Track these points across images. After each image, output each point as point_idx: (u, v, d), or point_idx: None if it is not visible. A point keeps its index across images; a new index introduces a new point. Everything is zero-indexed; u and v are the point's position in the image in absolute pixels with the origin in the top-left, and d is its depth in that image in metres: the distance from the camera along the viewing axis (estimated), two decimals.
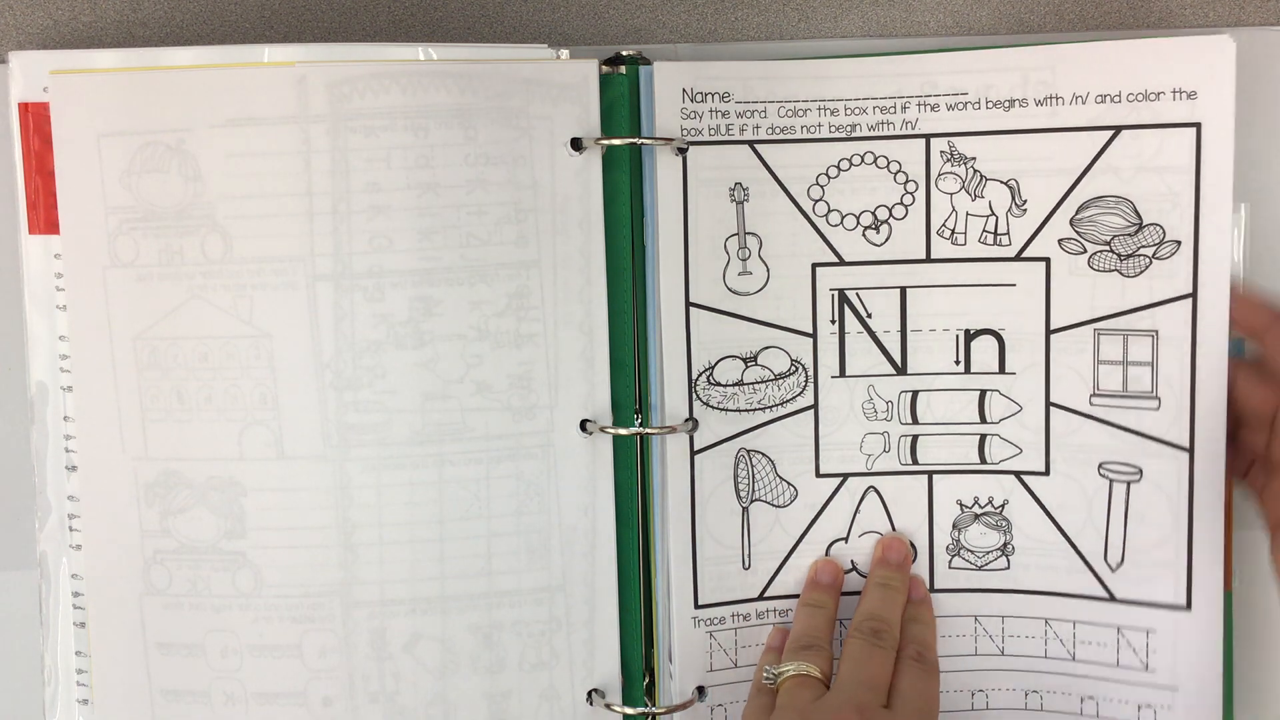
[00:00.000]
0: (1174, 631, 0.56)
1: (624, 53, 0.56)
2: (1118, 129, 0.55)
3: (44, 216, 0.56)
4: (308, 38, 0.60)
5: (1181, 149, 0.54)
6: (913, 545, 0.58)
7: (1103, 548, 0.57)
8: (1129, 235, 0.55)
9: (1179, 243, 0.54)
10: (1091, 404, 0.56)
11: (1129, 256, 0.55)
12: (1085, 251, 0.56)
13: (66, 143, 0.55)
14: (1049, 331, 0.56)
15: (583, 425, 0.56)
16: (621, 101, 0.55)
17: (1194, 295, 0.54)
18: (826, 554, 0.58)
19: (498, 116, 0.54)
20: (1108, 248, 0.55)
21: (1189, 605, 0.56)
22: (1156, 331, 0.55)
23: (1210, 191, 0.54)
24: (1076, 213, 0.55)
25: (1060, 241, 0.56)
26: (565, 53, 0.55)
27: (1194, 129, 0.54)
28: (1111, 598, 0.57)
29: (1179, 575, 0.56)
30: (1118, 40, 0.55)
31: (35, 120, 0.55)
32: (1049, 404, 0.57)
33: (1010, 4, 0.60)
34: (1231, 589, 0.58)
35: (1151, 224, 0.55)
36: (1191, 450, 0.55)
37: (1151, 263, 0.55)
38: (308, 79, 0.54)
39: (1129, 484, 0.56)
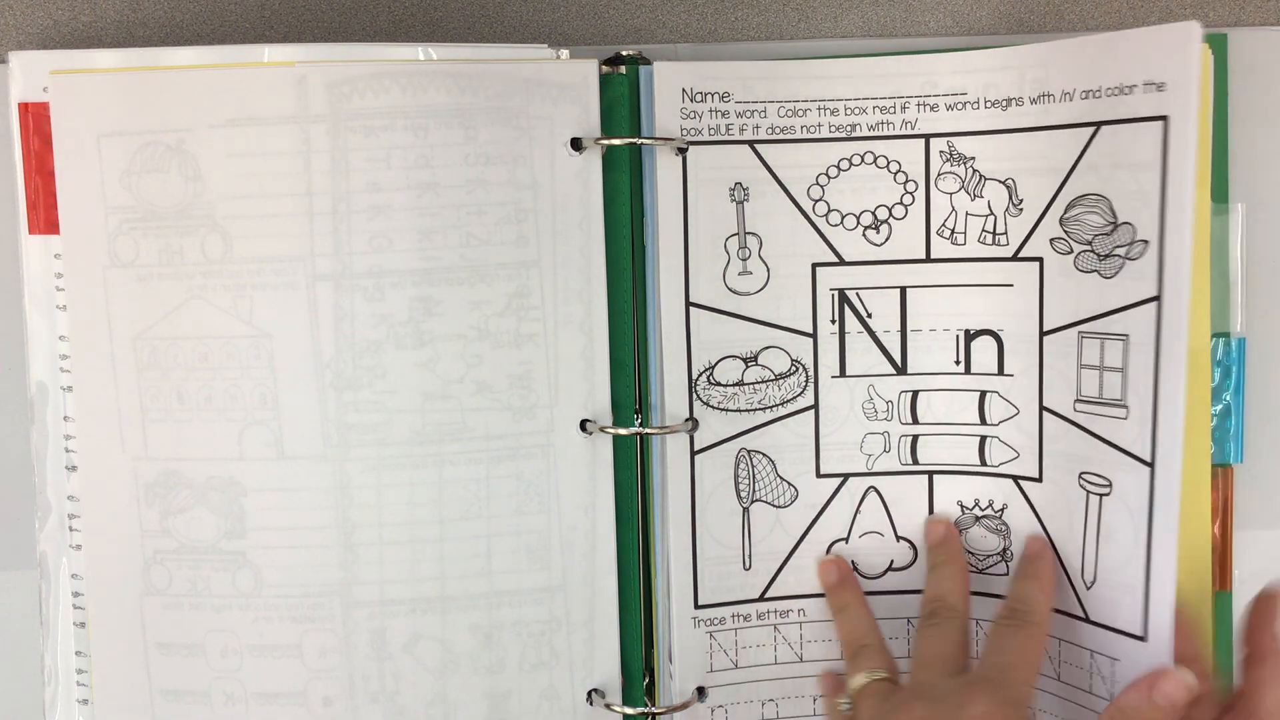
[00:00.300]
0: (1133, 662, 0.52)
1: (624, 53, 0.56)
2: (1098, 125, 0.52)
3: (44, 216, 0.56)
4: (308, 38, 0.60)
5: (1150, 144, 0.51)
6: (912, 546, 0.58)
7: (1080, 563, 0.54)
8: (1106, 235, 0.52)
9: (1147, 242, 0.51)
10: (1075, 410, 0.54)
11: (1107, 257, 0.52)
12: (1072, 251, 0.54)
13: (66, 143, 0.55)
14: (1042, 333, 0.55)
15: (583, 425, 0.56)
16: (621, 101, 0.55)
17: (1159, 298, 0.51)
18: (827, 554, 0.58)
19: (498, 116, 0.54)
20: (1089, 248, 0.53)
21: (1145, 635, 0.52)
22: (1127, 335, 0.52)
23: (1175, 187, 0.50)
24: (1065, 211, 0.54)
25: (1051, 241, 0.54)
26: (565, 53, 0.55)
27: (1161, 123, 0.50)
28: (1086, 618, 0.54)
29: (1137, 601, 0.52)
30: (1099, 34, 0.53)
31: (35, 120, 0.55)
32: (1041, 408, 0.56)
33: (1010, 4, 0.60)
34: (1231, 587, 0.57)
35: (1124, 223, 0.52)
36: (1152, 465, 0.52)
37: (1124, 264, 0.52)
38: (308, 79, 0.54)
39: (1102, 497, 0.53)
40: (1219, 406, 0.58)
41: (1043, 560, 0.55)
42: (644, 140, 0.55)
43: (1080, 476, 0.54)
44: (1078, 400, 0.54)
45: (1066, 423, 0.55)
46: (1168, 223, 0.50)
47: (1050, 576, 0.54)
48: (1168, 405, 0.51)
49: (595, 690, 0.57)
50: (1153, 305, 0.51)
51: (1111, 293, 0.52)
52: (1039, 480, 0.56)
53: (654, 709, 0.57)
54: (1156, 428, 0.51)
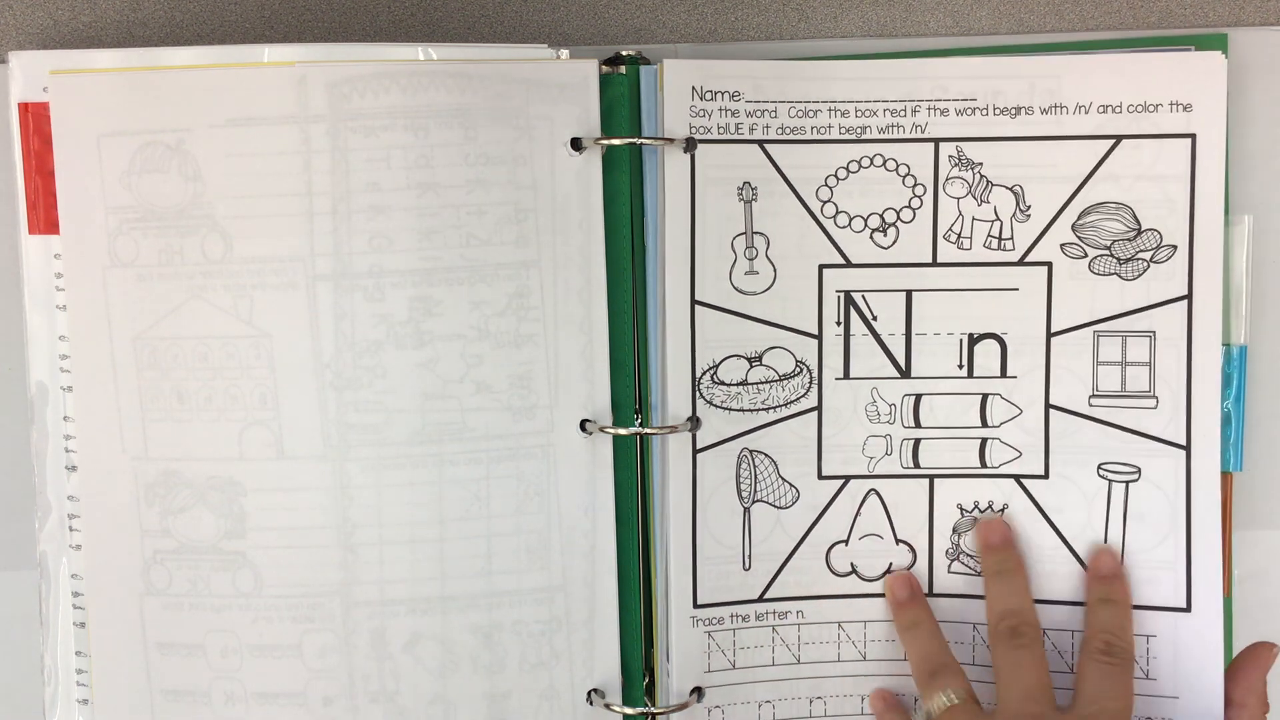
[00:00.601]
0: (1174, 635, 0.56)
1: (624, 53, 0.56)
2: (1119, 138, 0.56)
3: (44, 216, 0.56)
4: (308, 38, 0.59)
5: (1178, 158, 0.55)
6: (911, 550, 0.58)
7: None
8: (1128, 240, 0.56)
9: (1175, 247, 0.56)
10: (1090, 405, 0.56)
11: (1128, 260, 0.56)
12: (1086, 256, 0.56)
13: (66, 143, 0.55)
14: (1049, 334, 0.57)
15: (583, 425, 0.56)
16: (621, 101, 0.55)
17: (1189, 297, 0.56)
18: (827, 556, 0.58)
19: (498, 116, 0.54)
20: (1108, 252, 0.56)
21: (1189, 606, 0.56)
22: (1154, 332, 0.56)
23: (1204, 198, 0.55)
24: (1078, 218, 0.56)
25: (1062, 246, 0.56)
26: (565, 53, 0.55)
27: (1189, 140, 0.55)
28: None
29: (1179, 575, 0.56)
30: (1118, 52, 0.56)
31: (35, 120, 0.55)
32: (1048, 406, 0.57)
33: (1010, 4, 0.60)
34: (1230, 594, 0.58)
35: (1149, 229, 0.56)
36: (1189, 448, 0.56)
37: (1149, 266, 0.56)
38: (308, 79, 0.54)
39: (1128, 484, 0.56)
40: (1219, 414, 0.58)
41: (1120, 581, 0.56)
42: (644, 140, 0.55)
43: (1099, 467, 0.57)
44: (1094, 395, 0.56)
45: (1079, 418, 0.57)
46: (1197, 229, 0.56)
47: (1129, 598, 0.56)
48: (1203, 391, 0.56)
49: (595, 690, 0.57)
50: (1181, 304, 0.56)
51: (1134, 293, 0.56)
52: (1045, 477, 0.57)
53: (654, 709, 0.57)
54: (1191, 414, 0.56)
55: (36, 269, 0.56)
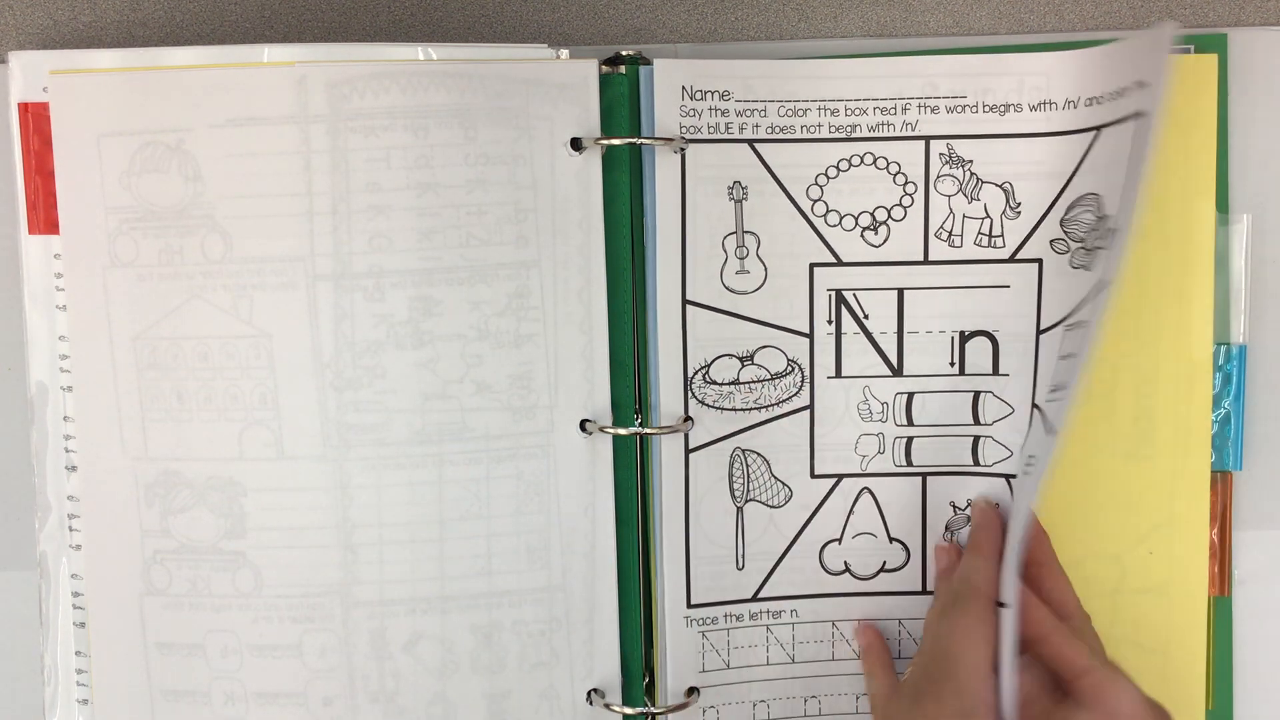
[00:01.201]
0: None
1: (624, 53, 0.56)
2: (1099, 129, 0.54)
3: (44, 216, 0.56)
4: (308, 38, 0.60)
5: (1127, 139, 0.52)
6: (905, 548, 0.58)
7: None
8: (1095, 230, 0.54)
9: (1115, 231, 0.51)
10: (1047, 401, 0.56)
11: (1091, 250, 0.55)
12: (1069, 251, 0.56)
13: (66, 143, 0.55)
14: (1039, 332, 0.56)
15: (582, 425, 0.56)
16: (621, 101, 0.55)
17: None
18: (820, 555, 0.58)
19: (498, 116, 0.54)
20: (1082, 244, 0.55)
21: None
22: (1088, 322, 0.53)
23: (1145, 177, 0.50)
24: (1065, 213, 0.56)
25: (1051, 242, 0.56)
26: (565, 53, 0.55)
27: (1139, 118, 0.51)
28: None
29: None
30: (1101, 45, 0.55)
31: (35, 120, 0.55)
32: (1034, 405, 0.56)
33: (1010, 4, 0.60)
34: (1230, 594, 0.58)
35: (1106, 215, 0.54)
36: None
37: (1098, 253, 0.53)
38: (308, 79, 0.54)
39: None
40: (1219, 413, 0.58)
41: (986, 529, 0.54)
42: (644, 140, 0.55)
43: None
44: (1050, 390, 0.55)
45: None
46: (1136, 209, 0.49)
47: (994, 544, 0.53)
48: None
49: (595, 690, 0.57)
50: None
51: (1087, 282, 0.54)
52: None
53: (653, 709, 0.57)
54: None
55: (36, 269, 0.56)
